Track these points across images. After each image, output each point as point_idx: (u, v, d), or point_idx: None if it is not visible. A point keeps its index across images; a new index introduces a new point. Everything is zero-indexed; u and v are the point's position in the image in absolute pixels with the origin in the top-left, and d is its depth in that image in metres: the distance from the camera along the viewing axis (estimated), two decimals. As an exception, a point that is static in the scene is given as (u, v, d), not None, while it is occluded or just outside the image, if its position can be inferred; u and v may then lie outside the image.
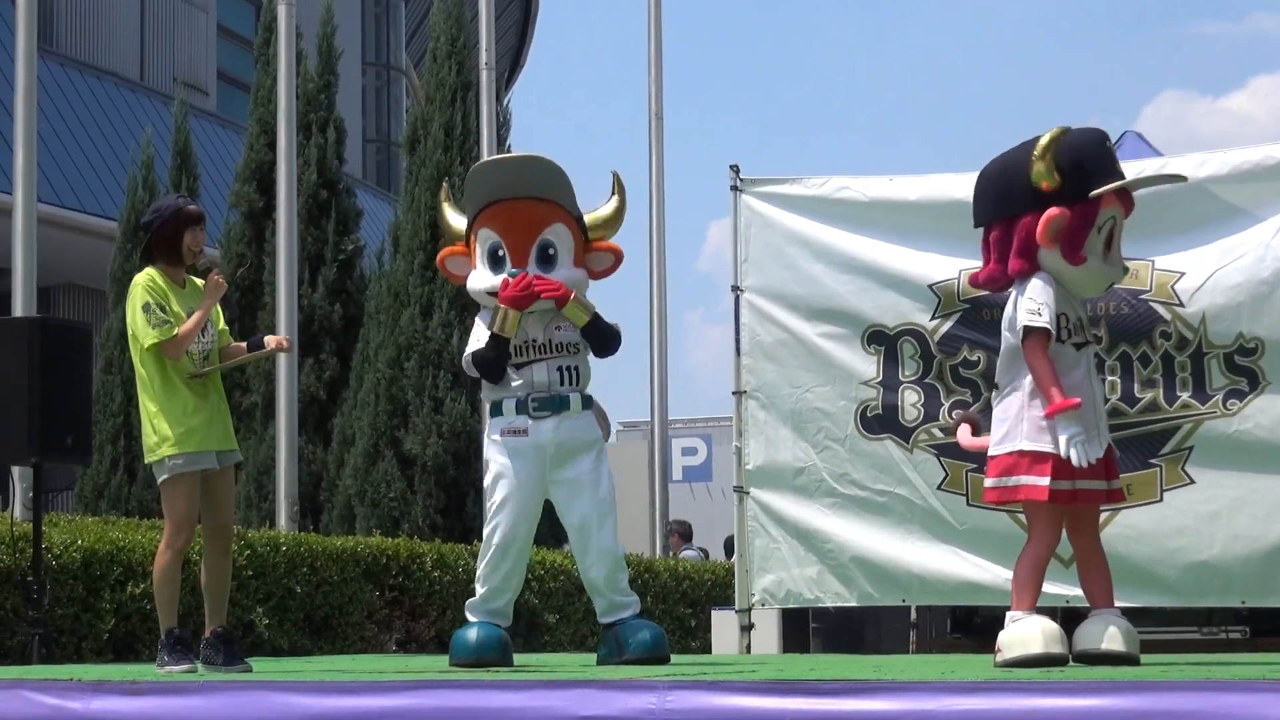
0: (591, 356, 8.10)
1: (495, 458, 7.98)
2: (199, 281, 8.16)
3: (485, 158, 18.18)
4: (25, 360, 10.20)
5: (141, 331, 7.90)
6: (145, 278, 7.99)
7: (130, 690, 6.22)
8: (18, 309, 12.31)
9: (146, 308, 7.88)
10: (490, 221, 7.97)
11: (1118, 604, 10.56)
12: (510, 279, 7.82)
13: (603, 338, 8.01)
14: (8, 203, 13.94)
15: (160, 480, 7.97)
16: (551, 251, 7.93)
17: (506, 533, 7.92)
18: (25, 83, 12.98)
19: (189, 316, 7.90)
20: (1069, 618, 11.18)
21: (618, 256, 8.19)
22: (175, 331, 7.84)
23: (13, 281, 12.64)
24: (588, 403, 8.04)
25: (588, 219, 8.10)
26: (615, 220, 8.19)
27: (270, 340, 8.30)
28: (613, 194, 8.22)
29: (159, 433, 7.90)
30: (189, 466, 7.84)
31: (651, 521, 20.45)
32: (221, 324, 8.18)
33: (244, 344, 8.31)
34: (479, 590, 8.04)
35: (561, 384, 7.94)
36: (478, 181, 8.06)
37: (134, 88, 30.62)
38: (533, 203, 7.92)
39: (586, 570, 8.08)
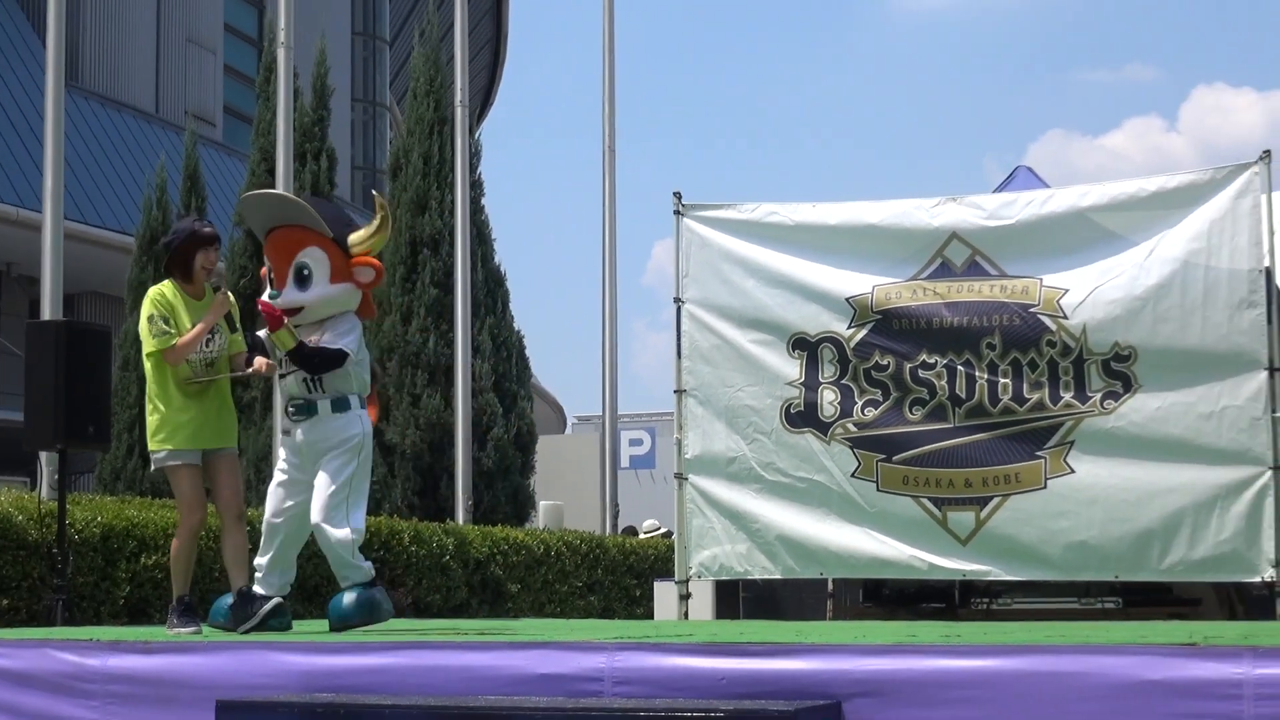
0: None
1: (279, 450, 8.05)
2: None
3: (459, 181, 18.18)
4: (53, 358, 10.17)
5: (145, 340, 7.92)
6: (155, 292, 7.96)
7: (143, 649, 6.21)
8: (46, 313, 12.23)
9: (151, 319, 7.88)
10: (266, 249, 7.96)
11: (1006, 578, 10.67)
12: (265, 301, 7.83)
13: (306, 361, 7.78)
14: (38, 220, 13.88)
15: (154, 468, 8.03)
16: (306, 273, 7.78)
17: (273, 511, 7.87)
18: (54, 114, 12.90)
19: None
20: (964, 591, 11.26)
21: (377, 270, 7.97)
22: (173, 342, 7.81)
23: (42, 289, 12.57)
24: (341, 405, 7.85)
25: (350, 237, 7.89)
26: (375, 235, 7.95)
27: (257, 363, 8.07)
28: (375, 214, 8.01)
29: (151, 428, 7.94)
30: (170, 461, 7.84)
31: (602, 504, 20.43)
32: (235, 333, 8.06)
33: (244, 354, 8.14)
34: (259, 562, 7.92)
35: (310, 392, 7.83)
36: (246, 218, 8.19)
37: (149, 119, 30.49)
38: (289, 230, 7.84)
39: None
